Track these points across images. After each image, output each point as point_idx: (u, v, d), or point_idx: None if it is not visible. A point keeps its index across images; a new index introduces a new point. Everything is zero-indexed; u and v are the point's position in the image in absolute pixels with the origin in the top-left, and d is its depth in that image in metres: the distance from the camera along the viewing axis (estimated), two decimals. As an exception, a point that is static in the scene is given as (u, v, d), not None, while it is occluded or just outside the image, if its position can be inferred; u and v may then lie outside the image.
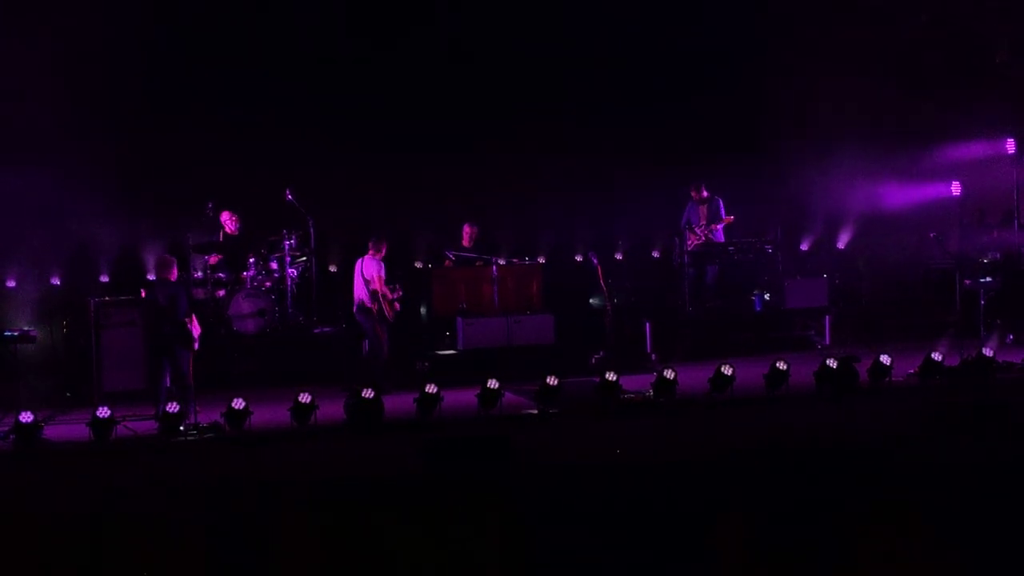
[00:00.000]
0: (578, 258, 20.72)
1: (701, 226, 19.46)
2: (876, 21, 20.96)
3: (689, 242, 19.40)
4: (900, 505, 9.35)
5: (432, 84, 20.08)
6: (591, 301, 15.82)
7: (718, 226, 19.55)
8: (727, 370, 14.45)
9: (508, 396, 14.25)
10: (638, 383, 15.03)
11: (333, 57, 19.64)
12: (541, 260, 19.20)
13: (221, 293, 17.55)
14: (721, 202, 19.68)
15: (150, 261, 18.78)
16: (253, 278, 17.71)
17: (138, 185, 18.22)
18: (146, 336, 15.28)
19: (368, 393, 13.62)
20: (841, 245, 21.95)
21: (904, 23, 20.98)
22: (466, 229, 18.96)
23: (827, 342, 18.96)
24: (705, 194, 19.60)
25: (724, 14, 20.70)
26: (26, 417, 12.97)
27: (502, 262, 18.66)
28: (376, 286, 16.31)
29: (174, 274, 14.69)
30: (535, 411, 14.25)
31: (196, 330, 14.40)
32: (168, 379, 14.27)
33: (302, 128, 19.09)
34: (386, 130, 19.75)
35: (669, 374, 14.41)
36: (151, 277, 18.66)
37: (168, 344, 14.30)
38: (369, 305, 16.25)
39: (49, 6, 18.09)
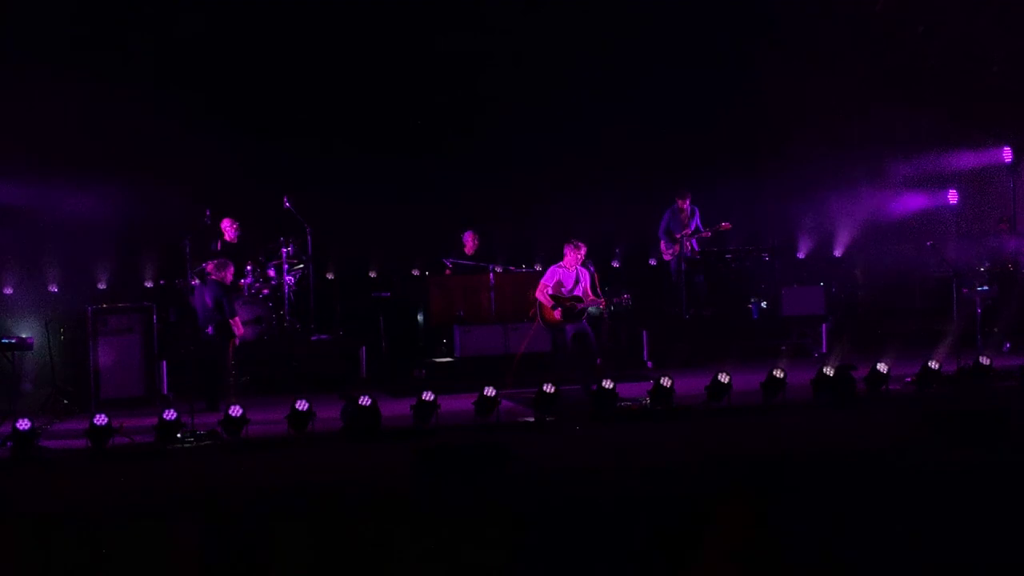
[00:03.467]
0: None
1: (685, 235, 19.50)
2: (873, 31, 21.00)
3: (670, 250, 19.49)
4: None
5: (430, 92, 20.09)
6: (589, 310, 15.83)
7: (694, 236, 19.63)
8: (723, 378, 14.45)
9: (505, 404, 14.25)
10: (635, 391, 15.05)
11: (331, 65, 19.62)
12: (538, 268, 19.22)
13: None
14: (698, 212, 19.74)
15: (147, 268, 18.82)
16: (250, 285, 17.72)
17: (135, 192, 18.21)
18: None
19: (365, 400, 13.61)
20: (838, 253, 21.99)
21: (901, 33, 21.02)
22: (468, 237, 18.99)
23: (824, 350, 18.99)
24: (688, 204, 19.63)
25: (720, 22, 20.73)
26: (23, 424, 12.95)
27: (499, 270, 18.69)
28: (536, 292, 15.88)
29: (228, 277, 15.69)
30: (532, 419, 14.25)
31: (239, 330, 15.56)
32: (165, 386, 14.37)
33: (300, 135, 19.13)
34: (384, 137, 19.77)
35: (666, 382, 14.40)
36: (148, 284, 18.71)
37: (208, 342, 15.36)
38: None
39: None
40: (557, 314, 15.53)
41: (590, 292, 15.70)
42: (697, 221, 19.61)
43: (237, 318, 15.64)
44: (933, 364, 15.12)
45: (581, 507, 10.17)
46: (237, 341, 15.58)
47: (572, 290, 15.64)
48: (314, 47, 19.40)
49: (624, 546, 9.10)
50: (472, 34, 19.98)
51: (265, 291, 17.86)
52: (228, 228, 17.98)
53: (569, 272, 15.68)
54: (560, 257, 15.77)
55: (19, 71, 17.80)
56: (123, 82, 18.26)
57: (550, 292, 15.64)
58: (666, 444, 13.10)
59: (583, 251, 15.70)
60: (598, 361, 16.29)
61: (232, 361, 15.62)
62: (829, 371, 14.75)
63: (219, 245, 17.94)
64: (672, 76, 20.36)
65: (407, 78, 20.02)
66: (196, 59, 18.65)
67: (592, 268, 15.86)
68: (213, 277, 15.64)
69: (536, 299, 15.82)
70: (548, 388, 14.17)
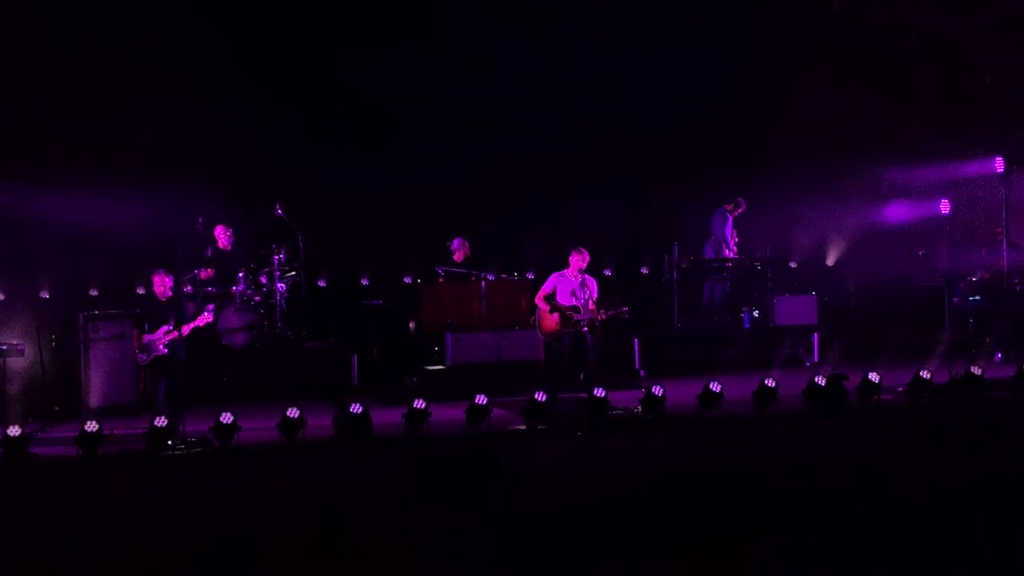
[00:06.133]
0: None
1: (735, 240, 19.83)
2: (867, 41, 21.02)
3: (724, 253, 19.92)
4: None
5: (421, 101, 20.08)
6: (576, 317, 15.67)
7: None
8: (715, 387, 14.44)
9: (496, 412, 14.23)
10: (626, 399, 15.03)
11: (325, 71, 19.61)
12: (530, 276, 19.19)
13: (211, 307, 17.50)
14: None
15: (139, 275, 18.76)
16: (242, 292, 17.70)
17: (128, 199, 18.17)
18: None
19: (356, 408, 13.59)
20: (830, 263, 21.99)
21: (894, 43, 21.05)
22: (457, 244, 18.99)
23: (816, 359, 19.00)
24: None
25: (714, 33, 20.74)
26: (14, 431, 12.93)
27: (491, 278, 18.68)
28: (536, 298, 15.43)
29: (155, 287, 14.60)
30: (523, 427, 14.23)
31: (134, 341, 14.46)
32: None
33: (293, 142, 19.11)
34: (376, 145, 19.75)
35: (657, 391, 14.39)
36: (140, 291, 18.66)
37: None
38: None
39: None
40: (554, 322, 15.17)
41: (592, 302, 15.21)
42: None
43: (135, 331, 14.63)
44: (925, 374, 15.14)
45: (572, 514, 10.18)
46: (139, 358, 14.48)
47: (572, 299, 15.14)
48: (305, 53, 19.36)
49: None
50: (458, 42, 19.99)
51: (257, 298, 17.83)
52: (221, 235, 17.97)
53: (571, 280, 15.21)
54: (555, 264, 15.60)
55: (7, 77, 17.83)
56: (115, 87, 18.24)
57: (548, 299, 15.28)
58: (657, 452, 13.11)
59: (587, 257, 15.25)
60: (592, 370, 16.23)
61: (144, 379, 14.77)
62: (821, 381, 14.76)
63: (211, 252, 17.93)
64: (665, 83, 20.36)
65: (402, 83, 20.01)
66: (189, 63, 18.57)
67: (593, 279, 15.53)
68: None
69: (536, 306, 15.43)
70: (540, 397, 14.15)
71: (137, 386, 15.31)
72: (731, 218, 20.09)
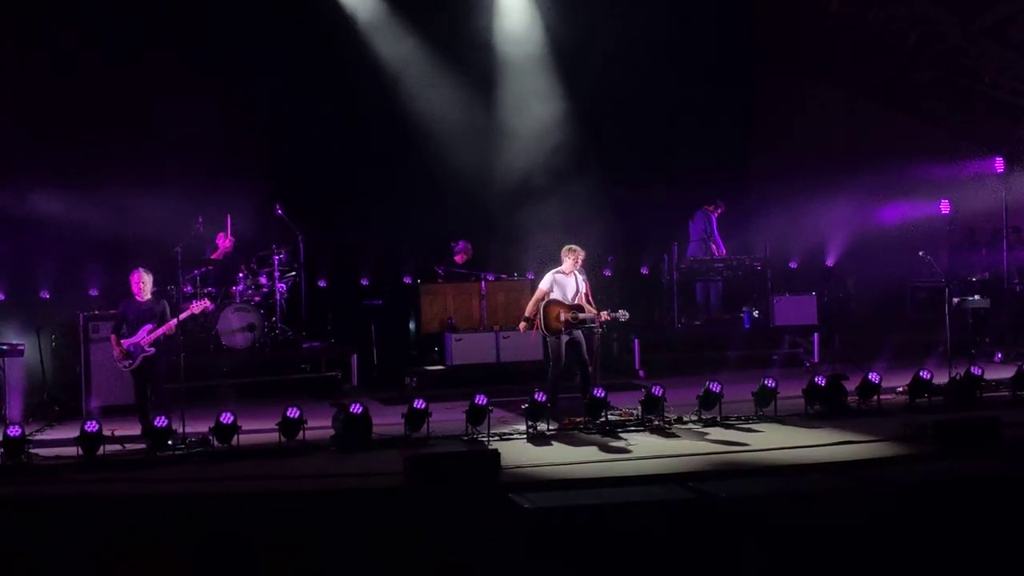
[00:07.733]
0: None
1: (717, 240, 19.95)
2: (865, 42, 21.03)
3: (713, 253, 20.08)
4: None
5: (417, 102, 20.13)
6: (580, 316, 15.53)
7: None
8: (715, 387, 14.44)
9: (497, 412, 14.22)
10: (626, 399, 15.02)
11: (323, 73, 19.62)
12: (530, 276, 19.20)
13: (211, 307, 17.52)
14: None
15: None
16: (242, 293, 17.71)
17: (128, 198, 18.17)
18: None
19: (356, 408, 13.58)
20: (830, 263, 22.00)
21: (893, 44, 21.06)
22: (461, 247, 19.00)
23: (816, 359, 19.01)
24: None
25: (713, 34, 20.75)
26: (14, 431, 12.92)
27: (491, 278, 18.69)
28: (535, 299, 15.05)
29: (133, 285, 14.37)
30: (523, 427, 14.23)
31: (114, 348, 14.24)
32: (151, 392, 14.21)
33: (292, 144, 19.13)
34: (374, 146, 19.77)
35: (657, 391, 14.37)
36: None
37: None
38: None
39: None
40: (556, 322, 14.87)
41: (588, 299, 14.98)
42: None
43: (112, 337, 14.41)
44: (925, 374, 15.12)
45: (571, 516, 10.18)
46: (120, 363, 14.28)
47: (571, 297, 14.89)
48: (304, 57, 19.38)
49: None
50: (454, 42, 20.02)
51: (257, 298, 17.85)
52: (221, 235, 18.01)
53: (568, 278, 14.94)
54: (555, 264, 15.49)
55: (12, 79, 17.86)
56: (114, 87, 18.26)
57: (550, 299, 14.94)
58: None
59: (581, 256, 14.96)
60: (591, 370, 16.20)
61: (137, 390, 14.43)
62: (821, 381, 14.75)
63: (211, 252, 17.96)
64: (664, 85, 20.37)
65: (399, 85, 20.04)
66: (190, 63, 18.58)
67: (584, 277, 15.32)
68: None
69: (535, 306, 15.06)
70: (539, 397, 14.14)
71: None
72: (714, 218, 20.12)
